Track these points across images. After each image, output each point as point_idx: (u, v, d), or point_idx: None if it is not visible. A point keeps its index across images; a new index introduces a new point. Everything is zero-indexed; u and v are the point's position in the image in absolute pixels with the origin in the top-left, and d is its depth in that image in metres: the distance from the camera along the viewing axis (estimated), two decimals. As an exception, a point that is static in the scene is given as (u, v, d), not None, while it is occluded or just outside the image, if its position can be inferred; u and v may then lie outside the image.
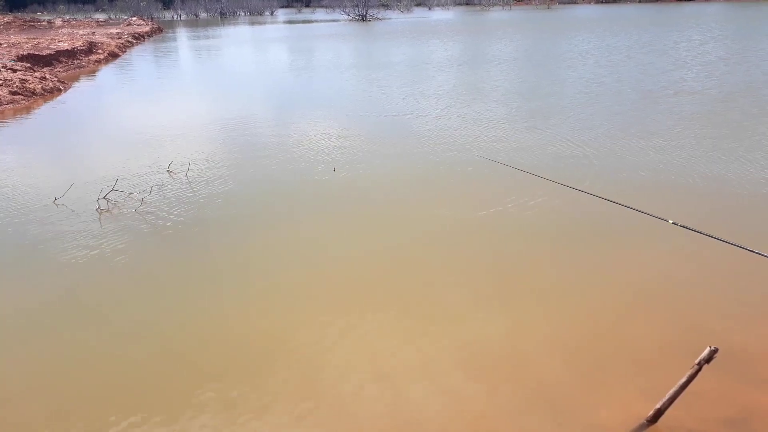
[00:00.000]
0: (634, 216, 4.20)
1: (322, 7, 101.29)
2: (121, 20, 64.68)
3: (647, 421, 3.47)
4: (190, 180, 8.11)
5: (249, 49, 32.12)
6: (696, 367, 3.21)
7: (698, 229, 3.67)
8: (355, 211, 6.96)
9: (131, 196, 7.42)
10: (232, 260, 5.76)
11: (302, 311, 4.81)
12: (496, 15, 63.75)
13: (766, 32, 27.75)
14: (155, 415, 3.66)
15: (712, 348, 3.15)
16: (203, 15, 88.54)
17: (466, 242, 6.02)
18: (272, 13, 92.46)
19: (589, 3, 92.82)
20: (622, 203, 4.31)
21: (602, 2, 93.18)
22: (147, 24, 55.22)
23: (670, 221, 3.75)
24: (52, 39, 28.51)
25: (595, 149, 9.03)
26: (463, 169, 8.28)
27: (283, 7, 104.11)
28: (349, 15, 63.89)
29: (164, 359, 4.24)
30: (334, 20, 63.40)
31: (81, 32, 37.36)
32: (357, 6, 63.85)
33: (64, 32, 36.84)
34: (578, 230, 6.13)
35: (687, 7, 54.77)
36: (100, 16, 75.41)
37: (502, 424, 3.56)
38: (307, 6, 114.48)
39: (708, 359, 3.17)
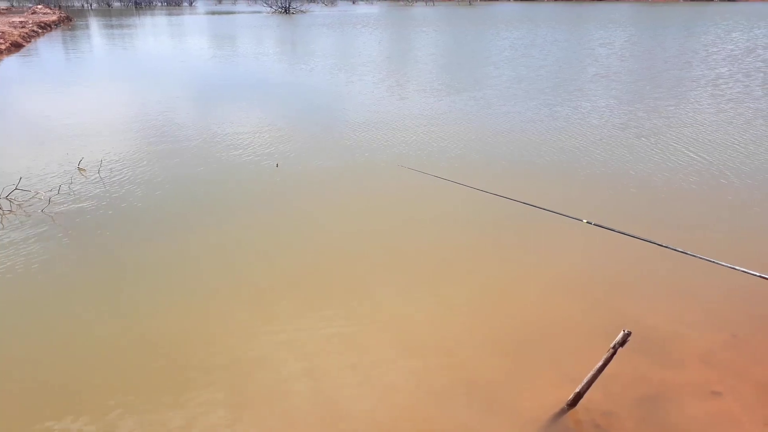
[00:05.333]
0: (552, 214, 4.32)
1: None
2: (25, 8, 60.40)
3: (567, 405, 3.60)
4: (102, 178, 7.67)
5: (167, 40, 30.85)
6: (611, 350, 3.35)
7: (610, 227, 3.83)
8: (276, 208, 6.81)
9: (38, 195, 6.93)
10: (148, 263, 5.50)
11: (224, 313, 4.65)
12: (420, 11, 64.39)
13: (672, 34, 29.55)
14: (74, 426, 3.43)
15: (626, 332, 3.29)
16: (116, 4, 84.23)
17: (391, 237, 6.05)
18: (191, 4, 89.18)
19: (509, 0, 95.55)
20: (541, 206, 4.44)
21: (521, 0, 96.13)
22: (54, 12, 51.80)
23: (585, 221, 3.89)
24: (-55, 27, 26.22)
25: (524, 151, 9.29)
26: (388, 170, 8.30)
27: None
28: (271, 7, 62.42)
29: (78, 369, 3.98)
30: (256, 12, 61.96)
31: (-21, 20, 34.58)
32: (280, -2, 62.58)
33: (-41, 20, 33.99)
34: (500, 229, 6.26)
35: (602, 6, 57.45)
36: (2, 4, 70.17)
37: (429, 412, 3.60)
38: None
39: (622, 342, 3.31)
